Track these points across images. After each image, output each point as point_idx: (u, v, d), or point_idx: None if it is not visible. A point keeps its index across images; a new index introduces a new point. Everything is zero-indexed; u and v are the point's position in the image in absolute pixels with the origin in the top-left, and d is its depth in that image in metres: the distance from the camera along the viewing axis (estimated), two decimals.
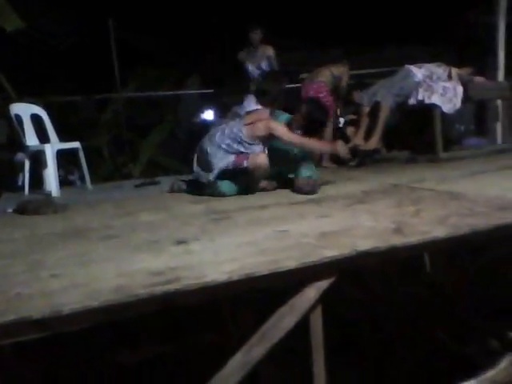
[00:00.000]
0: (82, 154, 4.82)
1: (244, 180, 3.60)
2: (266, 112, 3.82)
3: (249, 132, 3.60)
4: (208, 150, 3.62)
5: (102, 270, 1.81)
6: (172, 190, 4.07)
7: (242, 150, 3.60)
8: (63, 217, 3.33)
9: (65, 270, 1.86)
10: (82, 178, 5.10)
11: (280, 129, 3.59)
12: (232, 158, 3.57)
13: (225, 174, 3.60)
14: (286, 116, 3.84)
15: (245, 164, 3.52)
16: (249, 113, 4.06)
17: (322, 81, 5.52)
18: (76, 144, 4.76)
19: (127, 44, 7.56)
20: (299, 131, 3.70)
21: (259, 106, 4.70)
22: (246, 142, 3.59)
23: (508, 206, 2.51)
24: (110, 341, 2.89)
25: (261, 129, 3.59)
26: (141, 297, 1.51)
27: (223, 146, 3.58)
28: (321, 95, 5.44)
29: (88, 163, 5.03)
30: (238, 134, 3.59)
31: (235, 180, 3.61)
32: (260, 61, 5.98)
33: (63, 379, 2.77)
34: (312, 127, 3.77)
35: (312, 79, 5.59)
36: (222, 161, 3.57)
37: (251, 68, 5.98)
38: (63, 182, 5.07)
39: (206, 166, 3.64)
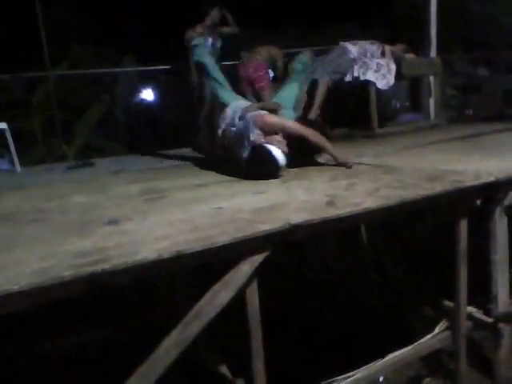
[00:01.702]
0: (9, 136, 4.57)
1: None
2: None
3: None
4: None
5: (26, 253, 1.73)
6: None
7: None
8: None
9: None
10: (12, 162, 4.85)
11: None
12: None
13: None
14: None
15: None
16: None
17: (260, 59, 5.52)
18: (2, 125, 4.51)
19: (58, 20, 7.22)
20: None
21: None
22: None
23: (436, 177, 2.59)
24: (40, 326, 2.81)
25: None
26: (66, 279, 1.45)
27: None
28: (260, 73, 5.47)
29: (20, 146, 4.79)
30: None
31: None
32: (215, 39, 5.89)
33: None
34: None
35: (250, 58, 5.57)
36: None
37: (210, 43, 5.86)
38: None
39: None
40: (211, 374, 2.44)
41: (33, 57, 6.63)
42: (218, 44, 5.91)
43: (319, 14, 9.16)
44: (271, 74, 5.96)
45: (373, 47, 5.32)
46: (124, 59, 8.43)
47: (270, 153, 3.01)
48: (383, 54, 5.30)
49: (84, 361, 3.07)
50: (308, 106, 5.26)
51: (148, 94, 9.48)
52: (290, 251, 3.67)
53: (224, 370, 2.37)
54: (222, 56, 6.01)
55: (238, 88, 5.69)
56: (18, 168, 4.67)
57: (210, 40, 5.82)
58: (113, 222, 2.13)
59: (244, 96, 5.49)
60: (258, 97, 5.58)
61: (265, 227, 1.85)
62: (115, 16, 9.01)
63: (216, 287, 1.82)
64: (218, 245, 1.71)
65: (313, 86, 5.23)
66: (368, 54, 5.24)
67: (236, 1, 6.15)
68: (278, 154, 3.02)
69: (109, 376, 2.30)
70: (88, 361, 3.08)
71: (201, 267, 1.84)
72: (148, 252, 1.61)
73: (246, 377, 2.10)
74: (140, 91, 9.18)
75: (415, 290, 3.54)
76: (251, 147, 3.11)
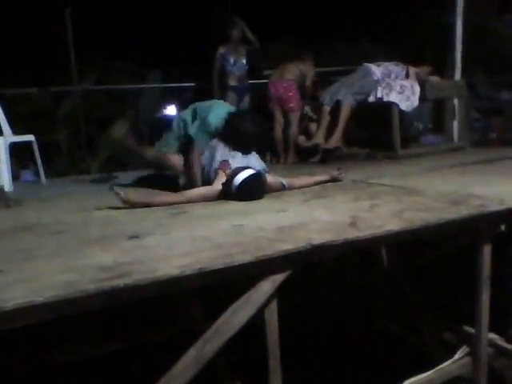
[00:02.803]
0: (36, 148, 4.66)
1: None
2: None
3: None
4: None
5: (50, 265, 1.75)
6: None
7: None
8: (15, 211, 3.22)
9: (11, 265, 1.79)
10: (37, 173, 4.94)
11: None
12: None
13: None
14: None
15: None
16: None
17: (292, 79, 5.54)
18: (30, 137, 4.60)
19: (86, 35, 7.37)
20: None
21: None
22: None
23: (461, 201, 2.57)
24: (52, 338, 2.82)
25: None
26: (88, 292, 1.47)
27: None
28: (290, 94, 5.50)
29: (45, 158, 4.88)
30: None
31: None
32: (238, 57, 5.94)
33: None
34: None
35: (281, 77, 5.58)
36: None
37: (232, 62, 5.92)
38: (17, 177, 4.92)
39: None
40: None
41: (60, 71, 6.79)
42: (243, 61, 5.95)
43: (342, 32, 9.21)
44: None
45: (397, 68, 5.33)
46: (149, 75, 8.58)
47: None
48: (407, 76, 5.30)
49: (97, 374, 3.07)
50: (331, 128, 5.28)
51: (172, 110, 9.58)
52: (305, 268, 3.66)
53: None
54: (249, 73, 6.06)
55: (266, 106, 5.75)
56: (44, 179, 4.75)
57: (232, 59, 5.88)
58: (135, 236, 2.15)
59: (272, 114, 5.57)
60: (286, 117, 5.63)
61: (286, 247, 1.85)
62: (142, 32, 9.18)
63: (236, 305, 1.82)
64: (239, 263, 1.71)
65: (336, 107, 5.25)
66: (392, 76, 5.24)
67: (261, 16, 6.19)
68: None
69: None
70: (101, 374, 3.07)
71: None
72: (170, 268, 1.62)
73: None
74: (164, 107, 9.28)
75: (435, 314, 3.48)
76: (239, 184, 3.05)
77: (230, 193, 3.05)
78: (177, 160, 3.66)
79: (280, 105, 5.58)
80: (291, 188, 3.35)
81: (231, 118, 3.35)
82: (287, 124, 5.63)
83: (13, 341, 2.67)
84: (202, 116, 3.55)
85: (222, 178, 3.13)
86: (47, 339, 2.98)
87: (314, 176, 3.62)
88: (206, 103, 3.74)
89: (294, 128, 5.58)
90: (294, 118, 5.57)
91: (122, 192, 2.87)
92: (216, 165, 3.23)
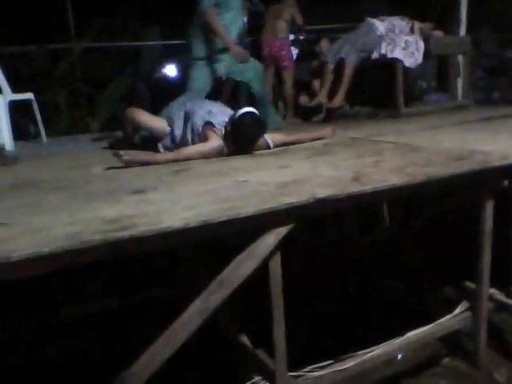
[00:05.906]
0: (35, 106, 4.62)
1: None
2: None
3: None
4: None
5: (55, 219, 1.76)
6: None
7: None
8: (16, 169, 3.22)
9: (15, 218, 1.80)
10: (38, 131, 4.91)
11: None
12: None
13: None
14: None
15: None
16: None
17: (283, 37, 5.49)
18: (29, 95, 4.56)
19: None
20: None
21: None
22: None
23: (464, 156, 2.55)
24: (54, 293, 2.86)
25: None
26: (94, 243, 1.47)
27: None
28: (283, 52, 5.44)
29: (44, 117, 4.84)
30: None
31: None
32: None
33: None
34: None
35: (274, 35, 5.50)
36: None
37: None
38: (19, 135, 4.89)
39: None
40: (231, 344, 2.47)
41: (58, 28, 6.66)
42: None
43: None
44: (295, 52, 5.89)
45: (402, 23, 5.20)
46: (148, 31, 8.41)
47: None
48: (412, 31, 5.19)
49: (103, 328, 3.13)
50: (334, 87, 5.22)
51: (172, 70, 9.43)
52: (307, 226, 3.67)
53: (244, 339, 2.39)
54: (248, 31, 5.94)
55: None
56: (44, 138, 4.73)
57: None
58: (139, 191, 2.15)
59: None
60: (279, 75, 5.58)
61: (290, 200, 1.85)
62: None
63: (240, 257, 1.84)
64: (243, 215, 1.71)
65: (340, 65, 5.17)
66: (396, 30, 5.12)
67: None
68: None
69: (130, 342, 2.34)
70: (107, 328, 3.13)
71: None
72: (175, 220, 1.62)
73: (267, 347, 2.13)
74: (164, 66, 9.13)
75: (436, 270, 3.52)
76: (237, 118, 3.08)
77: (231, 130, 3.08)
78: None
79: (274, 63, 5.56)
80: (279, 145, 3.34)
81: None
82: (282, 82, 5.62)
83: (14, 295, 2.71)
84: None
85: (214, 135, 3.13)
86: (50, 295, 3.03)
87: (308, 132, 3.63)
88: None
89: (288, 85, 5.56)
90: (288, 75, 5.55)
91: (125, 154, 2.85)
92: (199, 127, 3.20)
